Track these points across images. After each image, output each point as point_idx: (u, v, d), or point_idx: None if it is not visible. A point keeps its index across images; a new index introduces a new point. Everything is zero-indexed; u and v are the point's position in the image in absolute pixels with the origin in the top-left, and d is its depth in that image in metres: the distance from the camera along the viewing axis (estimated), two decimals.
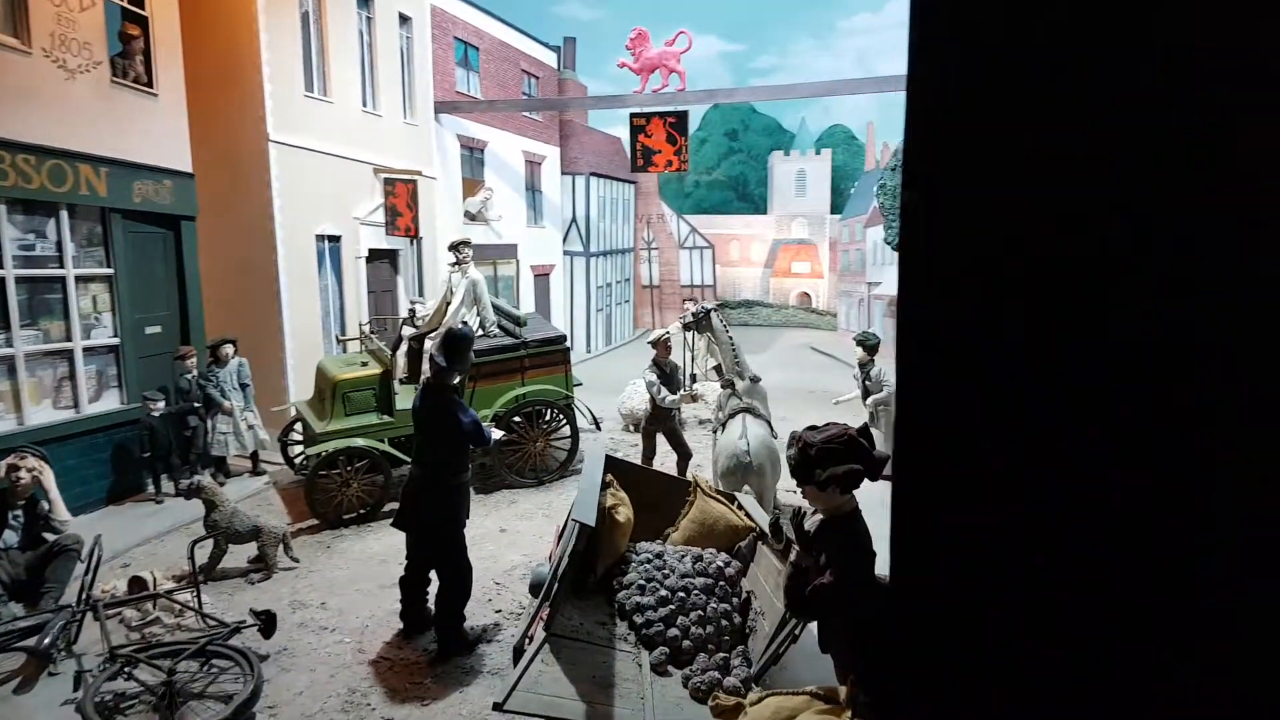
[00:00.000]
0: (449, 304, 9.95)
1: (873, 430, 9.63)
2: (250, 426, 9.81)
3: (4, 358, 7.95)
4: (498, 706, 4.00)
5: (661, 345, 8.44)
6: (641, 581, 5.34)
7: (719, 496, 6.11)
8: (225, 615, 5.91)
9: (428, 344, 9.77)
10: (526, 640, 5.31)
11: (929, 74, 1.30)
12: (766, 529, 3.58)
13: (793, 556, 3.16)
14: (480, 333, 9.91)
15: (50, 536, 5.94)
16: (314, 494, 8.27)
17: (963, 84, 1.28)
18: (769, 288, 33.08)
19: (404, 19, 14.34)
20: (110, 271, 9.03)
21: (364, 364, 9.18)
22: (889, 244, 11.36)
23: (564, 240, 23.35)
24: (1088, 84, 1.21)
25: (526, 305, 18.97)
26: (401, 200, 13.30)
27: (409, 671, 5.45)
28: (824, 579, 3.07)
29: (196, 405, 9.29)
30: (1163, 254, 1.21)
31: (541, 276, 21.71)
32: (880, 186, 11.15)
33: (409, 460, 8.88)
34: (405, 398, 9.15)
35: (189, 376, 9.30)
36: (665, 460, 9.13)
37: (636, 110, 12.66)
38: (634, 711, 4.30)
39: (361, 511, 8.49)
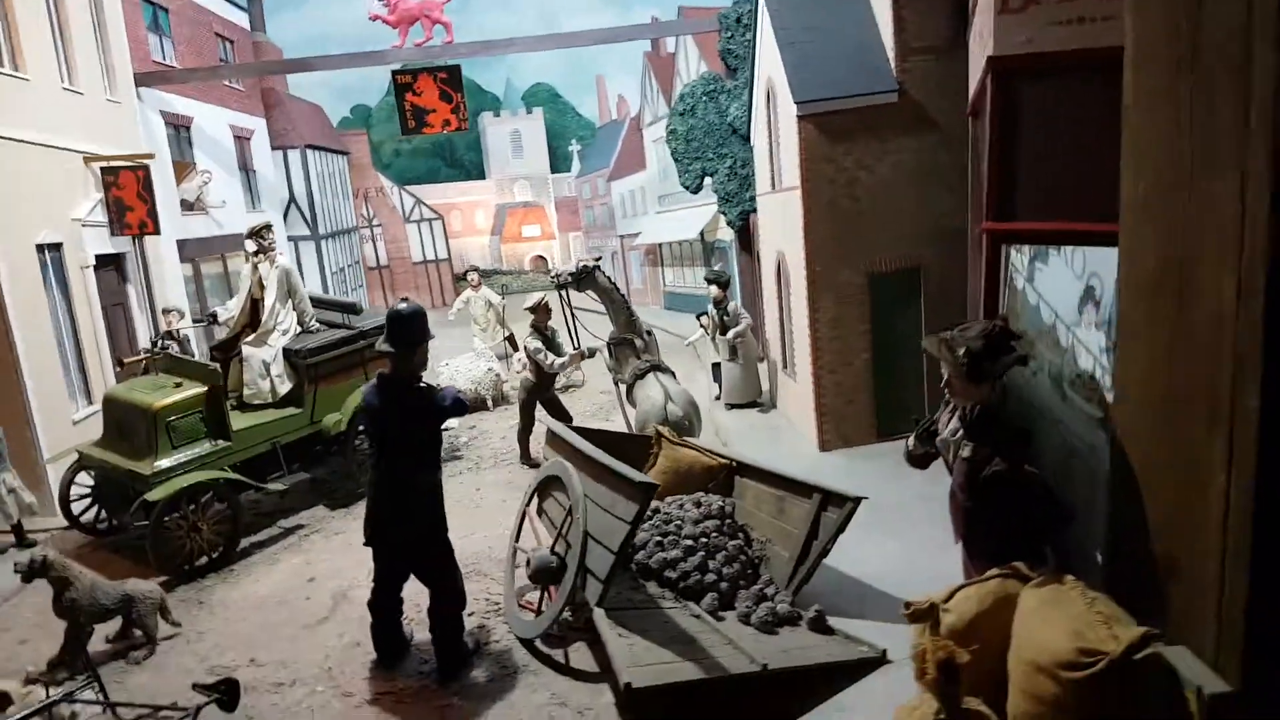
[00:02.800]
0: (256, 300, 8.71)
1: (730, 364, 10.06)
2: (11, 490, 7.88)
3: None
4: (631, 690, 3.81)
5: (542, 309, 8.08)
6: (658, 538, 5.28)
7: (685, 442, 6.14)
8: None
9: (245, 350, 8.51)
10: (554, 626, 5.03)
11: None
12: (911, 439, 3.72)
13: (965, 452, 3.35)
14: (300, 329, 8.80)
15: None
16: (160, 547, 6.93)
17: None
18: (501, 254, 32.52)
19: None
20: None
21: (177, 385, 7.73)
22: (685, 187, 11.79)
23: (284, 222, 21.09)
24: None
25: None
26: (130, 192, 11.16)
27: (424, 699, 4.88)
28: (996, 465, 3.31)
29: None
30: None
31: None
32: (671, 132, 11.50)
33: (260, 486, 7.78)
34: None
35: None
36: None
37: (400, 67, 11.66)
38: (735, 655, 4.31)
39: (213, 556, 7.29)
